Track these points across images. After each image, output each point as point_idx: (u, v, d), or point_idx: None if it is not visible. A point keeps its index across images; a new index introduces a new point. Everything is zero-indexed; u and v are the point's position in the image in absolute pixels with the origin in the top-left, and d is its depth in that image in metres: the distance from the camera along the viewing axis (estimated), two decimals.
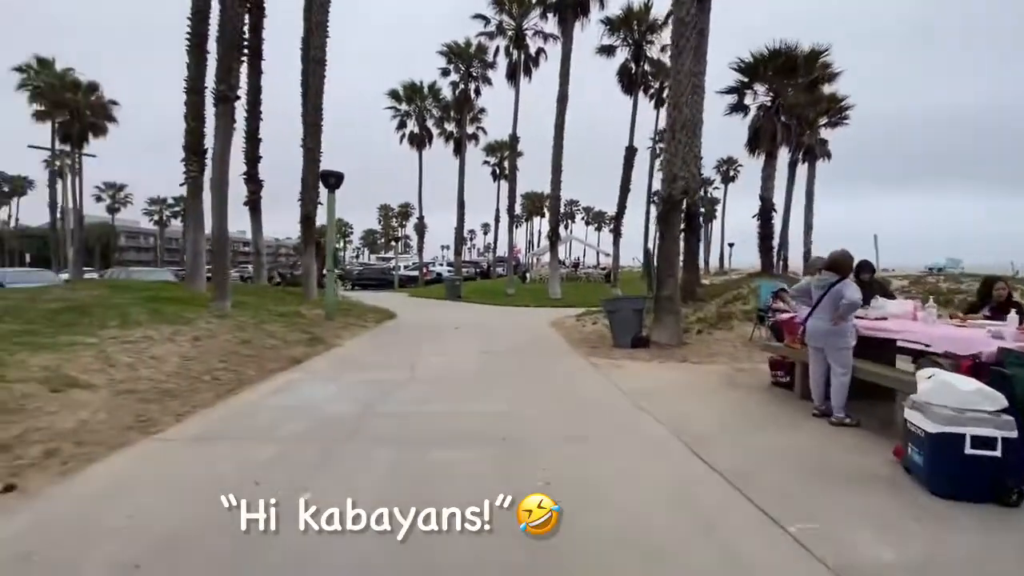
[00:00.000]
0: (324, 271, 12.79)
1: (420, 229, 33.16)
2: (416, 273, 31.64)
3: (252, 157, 15.14)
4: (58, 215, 33.64)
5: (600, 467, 3.46)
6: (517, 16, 22.43)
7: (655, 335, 8.58)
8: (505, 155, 36.99)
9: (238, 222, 17.23)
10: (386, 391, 5.50)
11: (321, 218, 12.67)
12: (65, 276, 27.24)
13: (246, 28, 14.42)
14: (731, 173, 55.34)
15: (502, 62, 24.36)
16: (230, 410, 4.84)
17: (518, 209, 70.68)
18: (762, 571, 2.30)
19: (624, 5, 21.21)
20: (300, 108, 13.95)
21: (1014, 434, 2.87)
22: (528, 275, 32.14)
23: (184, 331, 7.58)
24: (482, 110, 32.80)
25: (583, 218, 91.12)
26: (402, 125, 31.20)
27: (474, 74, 28.57)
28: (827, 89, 16.22)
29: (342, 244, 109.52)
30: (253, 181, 15.20)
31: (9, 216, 59.03)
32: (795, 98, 14.44)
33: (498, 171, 43.16)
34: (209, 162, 10.35)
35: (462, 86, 28.72)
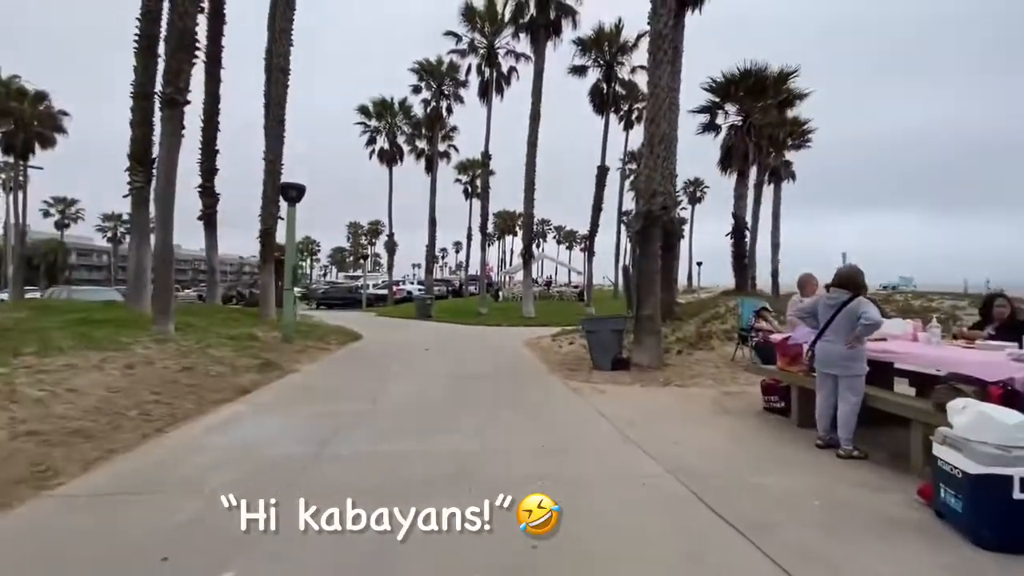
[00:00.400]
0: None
1: (390, 247, 32.37)
2: (385, 292, 30.73)
3: (208, 169, 14.27)
4: None
5: (594, 522, 2.92)
6: (489, 35, 22.36)
7: (636, 356, 8.17)
8: (477, 173, 36.77)
9: (194, 238, 16.17)
10: (343, 426, 4.85)
11: (282, 234, 11.91)
12: (3, 296, 25.23)
13: (204, 35, 13.75)
14: (698, 194, 56.72)
15: (474, 80, 24.24)
16: (154, 454, 4.11)
17: (491, 227, 70.42)
18: None
19: (595, 26, 21.41)
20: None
21: None
22: (501, 293, 31.67)
23: (115, 358, 6.73)
24: (454, 128, 32.60)
25: (555, 237, 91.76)
26: (372, 141, 30.61)
27: (446, 92, 28.34)
28: (795, 110, 16.56)
29: (309, 262, 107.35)
30: (208, 194, 14.29)
31: None
32: (764, 118, 14.66)
33: (470, 189, 42.87)
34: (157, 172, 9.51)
35: (433, 104, 28.42)
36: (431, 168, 28.70)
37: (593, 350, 8.27)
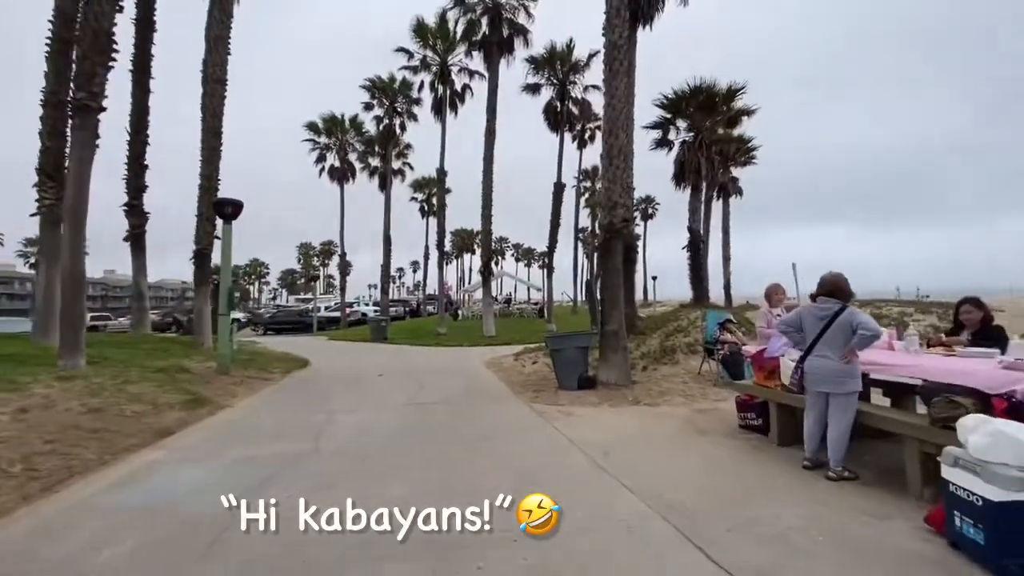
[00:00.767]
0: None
1: (343, 267, 31.17)
2: (338, 314, 29.46)
3: (136, 186, 13.08)
4: None
5: None
6: (442, 52, 22.13)
7: (602, 374, 7.82)
8: (433, 191, 36.29)
9: (123, 261, 14.69)
10: (276, 474, 4.16)
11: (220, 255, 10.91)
12: None
13: (131, 42, 12.76)
14: (650, 211, 58.28)
15: (428, 97, 23.85)
16: (31, 522, 3.32)
17: (448, 246, 69.81)
18: None
19: (548, 45, 21.59)
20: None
21: None
22: (460, 312, 31.01)
23: (8, 400, 5.74)
24: (408, 145, 32.13)
25: (513, 254, 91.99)
26: (322, 159, 29.66)
27: (399, 109, 27.90)
28: (741, 127, 17.08)
29: (257, 285, 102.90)
30: (136, 213, 13.07)
31: None
32: (714, 134, 15.00)
33: (426, 207, 42.27)
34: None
35: (386, 121, 27.88)
36: (385, 186, 27.99)
37: (558, 369, 7.86)
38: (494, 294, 30.34)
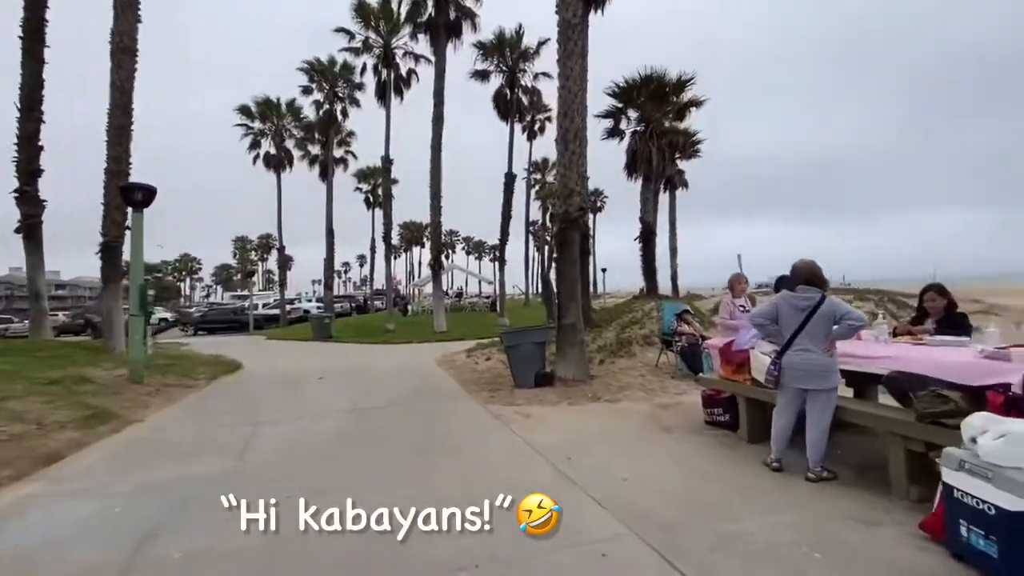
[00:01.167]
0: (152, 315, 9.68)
1: (282, 261, 29.38)
2: (277, 311, 27.76)
3: (28, 170, 11.41)
4: None
5: None
6: (385, 33, 21.02)
7: (560, 370, 7.47)
8: (378, 182, 34.90)
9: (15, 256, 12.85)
10: (187, 503, 3.48)
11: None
12: None
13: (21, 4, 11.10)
14: (599, 203, 59.07)
15: (371, 82, 22.68)
16: None
17: (396, 239, 68.00)
18: None
19: (497, 31, 20.98)
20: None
21: None
22: (410, 307, 30.03)
23: None
24: (351, 133, 30.57)
25: (463, 248, 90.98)
26: (256, 145, 27.65)
27: (340, 94, 26.40)
28: (688, 120, 17.20)
29: (188, 282, 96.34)
30: (30, 201, 11.41)
31: None
32: (663, 124, 15.02)
33: (372, 198, 40.65)
34: None
35: (327, 106, 26.32)
36: (326, 175, 26.47)
37: (514, 366, 7.43)
38: (445, 288, 29.57)
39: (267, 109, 27.08)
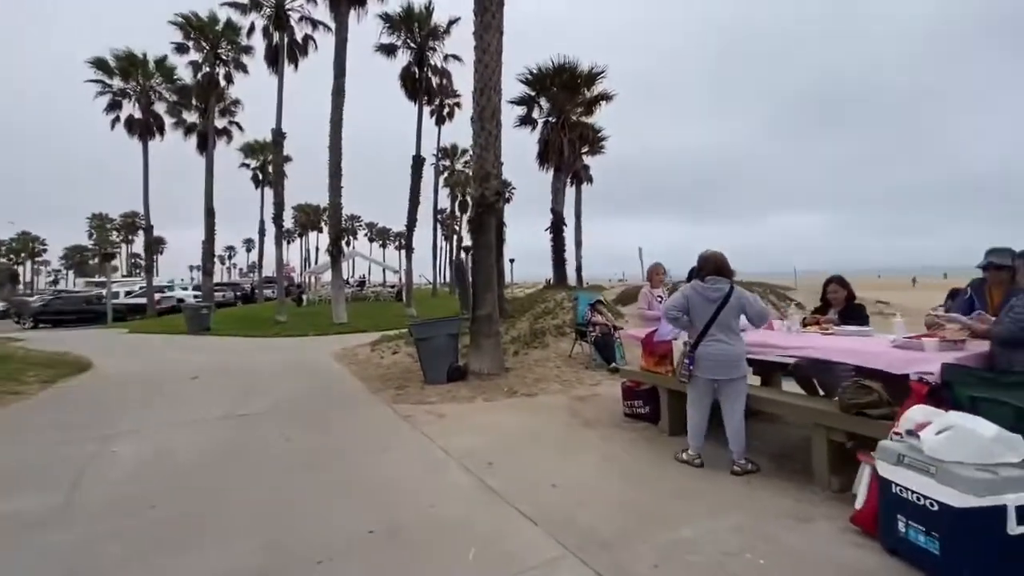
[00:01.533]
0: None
1: (148, 242, 25.60)
2: (144, 301, 24.18)
3: None
4: None
5: None
6: None
7: (474, 364, 7.05)
8: (268, 157, 31.68)
9: None
10: None
11: None
12: None
13: None
14: (507, 195, 59.41)
15: (261, 45, 20.30)
16: None
17: (290, 222, 62.77)
18: None
19: (404, 3, 19.75)
20: None
21: None
22: (305, 297, 27.75)
23: None
24: (236, 101, 27.38)
25: (366, 234, 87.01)
26: (116, 106, 23.64)
27: (224, 57, 23.43)
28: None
29: (29, 266, 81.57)
30: None
31: None
32: (575, 115, 15.09)
33: (261, 175, 36.96)
34: None
35: (206, 69, 23.20)
36: (206, 147, 23.38)
37: (424, 361, 6.88)
38: (346, 276, 27.69)
39: (130, 66, 23.22)
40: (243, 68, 23.59)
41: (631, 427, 4.69)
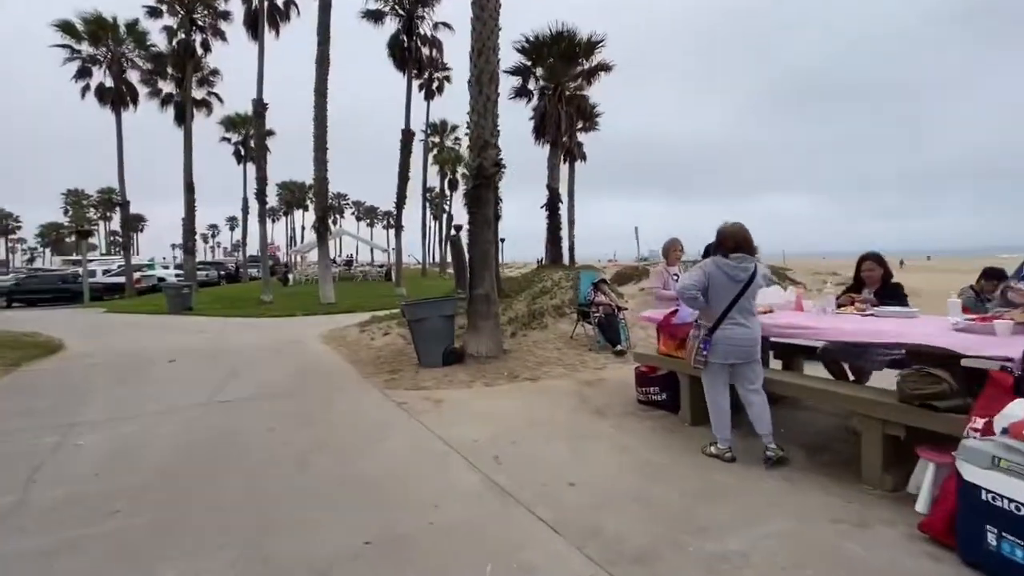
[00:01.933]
0: None
1: (125, 219, 24.61)
2: (123, 280, 23.33)
3: None
4: None
5: None
6: None
7: (471, 346, 6.67)
8: (250, 132, 30.47)
9: None
10: None
11: None
12: None
13: None
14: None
15: (240, 10, 19.23)
16: None
17: (275, 200, 61.22)
18: None
19: None
20: None
21: None
22: (291, 276, 27.06)
23: None
24: (215, 71, 26.19)
25: (354, 213, 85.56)
26: (85, 73, 22.36)
27: (200, 22, 22.25)
28: (601, 82, 16.72)
29: (3, 243, 79.10)
30: None
31: None
32: (574, 86, 14.46)
33: (243, 150, 35.71)
34: None
35: (182, 35, 22.01)
36: (184, 119, 22.30)
37: (419, 343, 6.48)
38: (333, 255, 26.98)
39: (99, 29, 21.87)
40: (221, 35, 22.45)
41: (647, 415, 4.36)
